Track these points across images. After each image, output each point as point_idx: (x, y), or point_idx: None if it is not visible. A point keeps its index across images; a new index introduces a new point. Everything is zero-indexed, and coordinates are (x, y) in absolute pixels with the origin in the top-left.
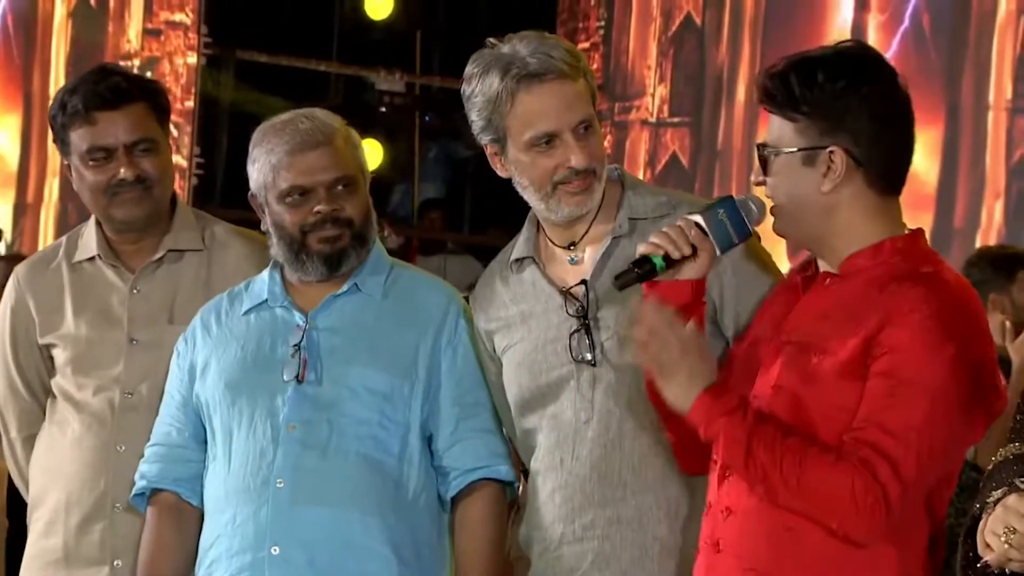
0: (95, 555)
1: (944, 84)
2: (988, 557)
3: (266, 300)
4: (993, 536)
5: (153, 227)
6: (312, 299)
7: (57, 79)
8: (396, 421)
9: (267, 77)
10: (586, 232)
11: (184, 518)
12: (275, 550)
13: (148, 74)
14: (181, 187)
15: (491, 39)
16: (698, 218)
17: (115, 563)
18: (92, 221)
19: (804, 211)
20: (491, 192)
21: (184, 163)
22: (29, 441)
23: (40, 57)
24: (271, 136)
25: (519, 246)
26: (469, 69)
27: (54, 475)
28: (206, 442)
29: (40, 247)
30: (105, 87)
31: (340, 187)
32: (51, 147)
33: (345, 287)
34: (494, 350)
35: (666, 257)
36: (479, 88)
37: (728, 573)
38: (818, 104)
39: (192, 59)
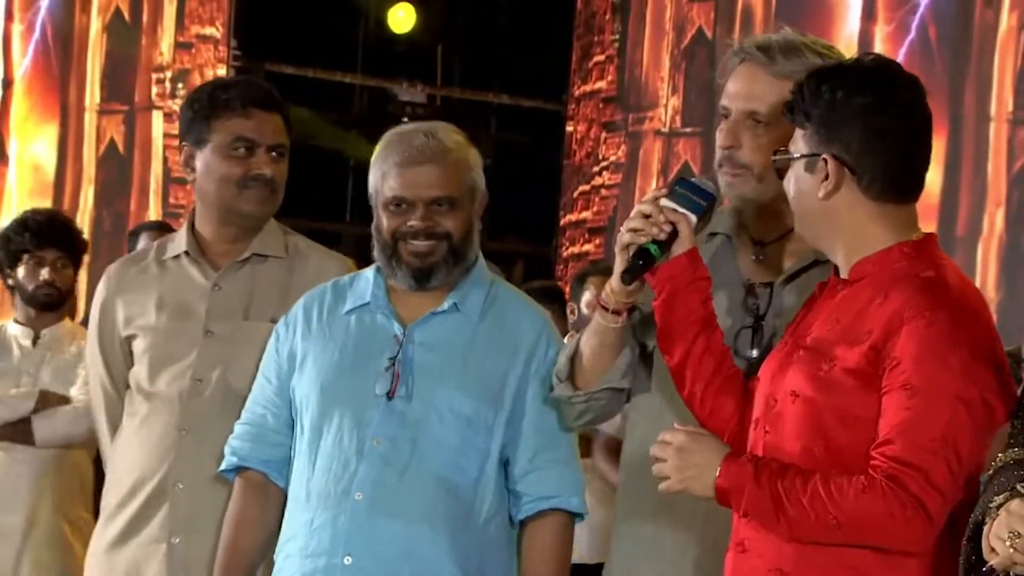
0: (155, 533)
1: (948, 96)
2: (993, 561)
3: (369, 303)
4: (998, 541)
5: (251, 230)
6: (412, 308)
7: (92, 91)
8: (477, 447)
9: (294, 88)
10: (777, 239)
11: (269, 497)
12: (348, 560)
13: (180, 86)
14: None
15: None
16: (663, 200)
17: (173, 540)
18: (185, 226)
19: (809, 215)
20: (509, 200)
21: None
22: (112, 430)
23: (76, 70)
24: (389, 146)
25: (719, 220)
26: None
27: (125, 461)
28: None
29: None
30: (260, 90)
31: (440, 205)
32: (87, 156)
33: (445, 306)
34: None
35: (656, 242)
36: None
37: (752, 573)
38: (820, 113)
39: (222, 71)
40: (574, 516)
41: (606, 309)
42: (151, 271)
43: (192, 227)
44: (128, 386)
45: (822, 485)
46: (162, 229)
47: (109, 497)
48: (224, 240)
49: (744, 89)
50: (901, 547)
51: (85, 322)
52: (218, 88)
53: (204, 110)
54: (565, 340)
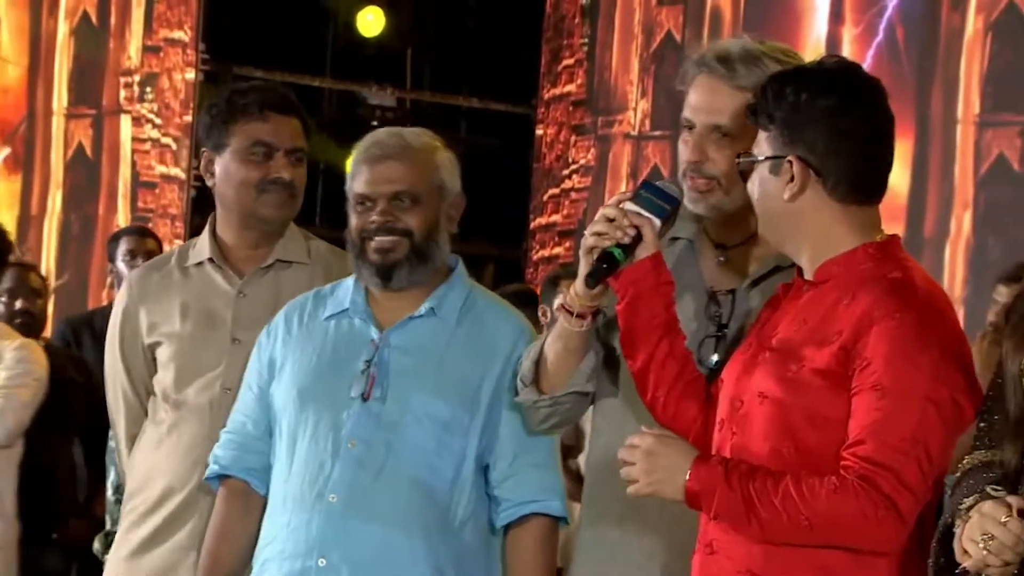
0: (184, 541)
1: (915, 98)
2: (966, 563)
3: (347, 309)
4: (971, 543)
5: (272, 235)
6: (390, 313)
7: (60, 95)
8: (452, 450)
9: None
10: (740, 243)
11: (250, 505)
12: (322, 562)
13: (148, 89)
14: (180, 197)
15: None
16: (627, 204)
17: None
18: (206, 229)
19: (774, 218)
20: (478, 204)
21: (183, 175)
22: (133, 440)
23: (44, 73)
24: (359, 147)
25: (681, 225)
26: None
27: (152, 469)
28: None
29: (44, 257)
30: (277, 94)
31: (402, 200)
32: (54, 160)
33: (422, 310)
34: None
35: (620, 246)
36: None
37: (721, 575)
38: (784, 116)
39: (190, 75)
40: (557, 521)
41: (570, 313)
42: (174, 278)
43: (214, 232)
44: (150, 393)
45: (794, 486)
46: (142, 234)
47: (133, 503)
48: (246, 245)
49: (706, 103)
50: (873, 547)
51: (100, 325)
52: (236, 93)
53: (222, 115)
54: None
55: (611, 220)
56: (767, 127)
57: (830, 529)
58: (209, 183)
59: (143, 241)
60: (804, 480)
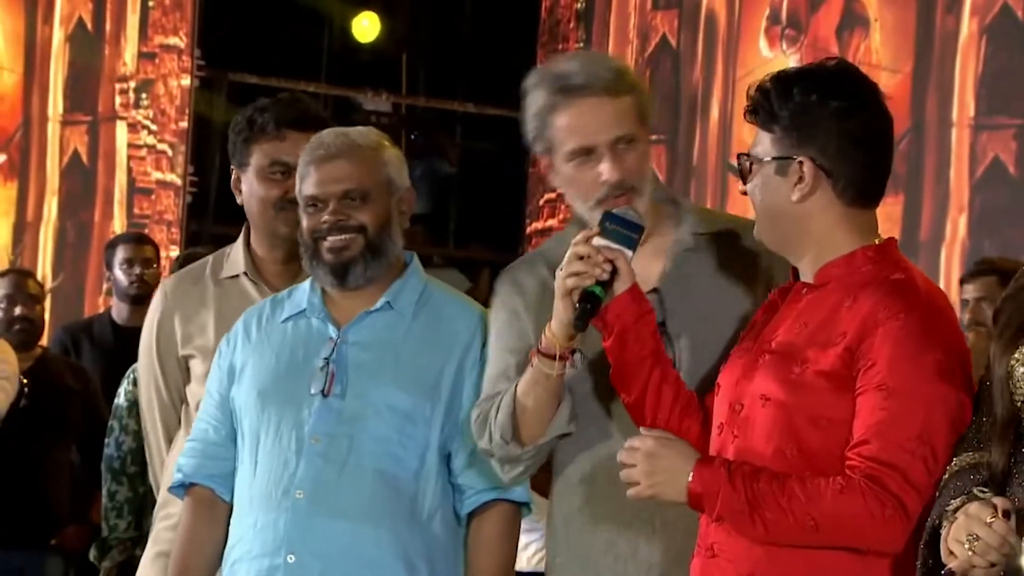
0: None
1: (910, 101)
2: (952, 564)
3: (304, 310)
4: (957, 544)
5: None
6: (347, 312)
7: (55, 101)
8: (415, 440)
9: (258, 98)
10: (642, 243)
11: (216, 512)
12: (291, 558)
13: (143, 96)
14: (176, 204)
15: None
16: (597, 240)
17: None
18: (240, 241)
19: (778, 219)
20: (474, 208)
21: (179, 181)
22: (167, 441)
23: (39, 80)
24: (306, 149)
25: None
26: (524, 84)
27: None
28: None
29: (40, 264)
30: (296, 111)
31: (352, 199)
32: (50, 167)
33: (378, 304)
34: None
35: (599, 283)
36: (529, 101)
37: None
38: (791, 116)
39: (186, 81)
40: (520, 507)
41: (549, 356)
42: (208, 289)
43: (247, 245)
44: (182, 400)
45: (799, 486)
46: (139, 241)
47: (168, 510)
48: (276, 260)
49: (601, 120)
50: (879, 547)
51: (97, 332)
52: (256, 111)
53: (243, 133)
54: None
55: (584, 258)
56: (771, 128)
57: (836, 529)
58: (238, 200)
59: (140, 248)
60: (809, 480)
